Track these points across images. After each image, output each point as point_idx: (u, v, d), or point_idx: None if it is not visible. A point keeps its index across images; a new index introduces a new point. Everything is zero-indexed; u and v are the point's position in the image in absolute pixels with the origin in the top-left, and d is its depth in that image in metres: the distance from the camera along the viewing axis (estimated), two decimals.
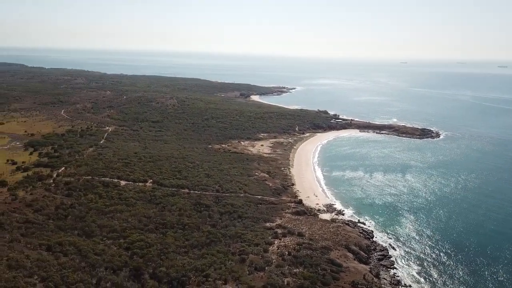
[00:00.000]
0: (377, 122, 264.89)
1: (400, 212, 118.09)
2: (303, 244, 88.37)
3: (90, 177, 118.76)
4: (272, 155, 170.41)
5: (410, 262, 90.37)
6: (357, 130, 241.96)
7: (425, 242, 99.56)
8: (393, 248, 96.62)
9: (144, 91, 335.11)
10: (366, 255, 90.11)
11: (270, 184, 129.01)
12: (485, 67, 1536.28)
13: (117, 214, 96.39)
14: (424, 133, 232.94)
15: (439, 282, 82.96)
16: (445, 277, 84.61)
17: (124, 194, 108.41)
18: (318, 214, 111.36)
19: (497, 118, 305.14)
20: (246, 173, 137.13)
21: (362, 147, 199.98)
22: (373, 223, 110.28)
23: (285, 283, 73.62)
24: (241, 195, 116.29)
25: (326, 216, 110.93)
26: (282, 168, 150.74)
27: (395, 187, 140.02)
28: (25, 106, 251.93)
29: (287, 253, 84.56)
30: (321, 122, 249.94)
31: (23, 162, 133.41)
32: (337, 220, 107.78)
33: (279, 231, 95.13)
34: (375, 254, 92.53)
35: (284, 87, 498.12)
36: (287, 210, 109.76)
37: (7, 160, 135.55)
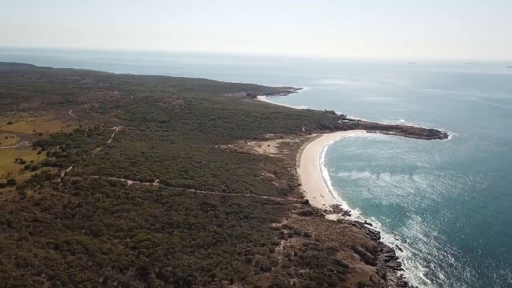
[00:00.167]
0: (385, 122, 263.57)
1: (407, 213, 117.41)
2: (309, 245, 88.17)
3: (97, 176, 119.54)
4: (278, 155, 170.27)
5: (417, 264, 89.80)
6: (364, 131, 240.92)
7: (432, 244, 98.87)
8: (400, 249, 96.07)
9: (151, 91, 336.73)
10: (372, 256, 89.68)
11: (276, 185, 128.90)
12: (494, 67, 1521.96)
13: (124, 214, 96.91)
14: (431, 134, 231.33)
15: (446, 284, 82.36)
16: (452, 279, 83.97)
17: (131, 193, 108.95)
18: (324, 215, 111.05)
19: (505, 119, 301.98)
20: (252, 173, 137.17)
21: (369, 147, 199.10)
22: (379, 224, 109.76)
23: (291, 283, 73.50)
24: (247, 195, 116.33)
25: (333, 217, 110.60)
26: (289, 169, 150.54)
27: (402, 188, 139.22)
28: (33, 106, 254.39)
29: (293, 253, 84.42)
30: (328, 122, 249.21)
31: (31, 161, 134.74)
32: (343, 221, 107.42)
33: (285, 231, 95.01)
34: (381, 255, 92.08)
35: (290, 87, 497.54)
36: (293, 211, 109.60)
37: (16, 159, 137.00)
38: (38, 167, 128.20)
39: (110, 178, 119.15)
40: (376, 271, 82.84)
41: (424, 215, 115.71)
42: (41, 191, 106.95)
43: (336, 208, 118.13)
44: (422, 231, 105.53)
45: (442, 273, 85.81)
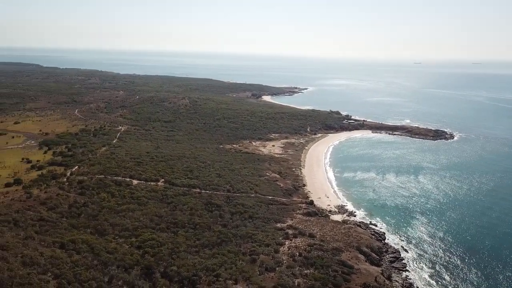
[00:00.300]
0: (390, 123, 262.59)
1: (413, 214, 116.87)
2: (314, 245, 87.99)
3: (103, 176, 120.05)
4: (283, 155, 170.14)
5: (423, 265, 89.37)
6: (370, 131, 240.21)
7: (438, 245, 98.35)
8: (405, 250, 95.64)
9: (157, 91, 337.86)
10: (377, 257, 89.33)
11: (281, 185, 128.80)
12: (501, 67, 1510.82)
13: (129, 213, 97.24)
14: (437, 135, 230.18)
15: (452, 285, 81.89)
16: (457, 280, 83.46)
17: (136, 193, 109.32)
18: (329, 215, 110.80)
19: None
20: (257, 174, 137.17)
21: (374, 148, 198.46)
22: (385, 225, 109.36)
23: (296, 284, 73.39)
24: (252, 195, 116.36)
25: (338, 217, 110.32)
26: (294, 169, 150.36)
27: (408, 188, 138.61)
28: (40, 106, 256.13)
29: (298, 254, 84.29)
30: (333, 122, 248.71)
31: (37, 161, 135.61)
32: (348, 222, 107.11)
33: (290, 231, 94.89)
34: (387, 256, 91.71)
35: (296, 88, 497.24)
36: (298, 211, 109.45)
37: (22, 159, 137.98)
38: (44, 167, 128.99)
39: (115, 177, 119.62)
40: (381, 272, 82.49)
41: (430, 216, 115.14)
42: (47, 190, 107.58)
43: (341, 209, 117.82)
44: (428, 232, 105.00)
45: (447, 275, 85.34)
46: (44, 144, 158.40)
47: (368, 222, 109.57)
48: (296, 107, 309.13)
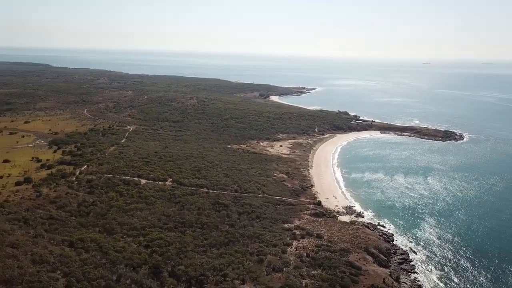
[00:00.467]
0: (399, 123, 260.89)
1: (421, 215, 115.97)
2: (321, 246, 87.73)
3: (111, 175, 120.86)
4: (291, 156, 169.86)
5: (431, 267, 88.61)
6: (378, 132, 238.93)
7: (447, 247, 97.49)
8: (414, 252, 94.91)
9: (165, 91, 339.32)
10: (386, 258, 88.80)
11: (289, 185, 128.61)
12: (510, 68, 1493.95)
13: (137, 212, 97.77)
14: (447, 135, 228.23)
15: None
16: (466, 283, 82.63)
17: (144, 192, 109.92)
18: (337, 216, 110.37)
19: None
20: (264, 174, 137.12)
21: (382, 149, 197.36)
22: (393, 226, 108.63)
23: (303, 284, 73.22)
24: (260, 195, 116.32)
25: (345, 218, 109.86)
26: (301, 169, 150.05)
27: (416, 190, 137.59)
28: (49, 105, 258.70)
29: (305, 254, 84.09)
30: (341, 123, 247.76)
31: (47, 160, 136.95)
32: (356, 223, 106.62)
33: (298, 232, 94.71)
34: (395, 257, 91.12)
35: (304, 88, 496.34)
36: (305, 212, 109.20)
37: (32, 158, 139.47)
38: (53, 166, 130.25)
39: (123, 177, 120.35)
40: (389, 273, 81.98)
41: (438, 218, 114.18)
42: (56, 189, 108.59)
43: (349, 210, 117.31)
44: (436, 234, 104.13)
45: (456, 277, 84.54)
46: (54, 143, 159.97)
47: (376, 223, 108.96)
48: (304, 107, 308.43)
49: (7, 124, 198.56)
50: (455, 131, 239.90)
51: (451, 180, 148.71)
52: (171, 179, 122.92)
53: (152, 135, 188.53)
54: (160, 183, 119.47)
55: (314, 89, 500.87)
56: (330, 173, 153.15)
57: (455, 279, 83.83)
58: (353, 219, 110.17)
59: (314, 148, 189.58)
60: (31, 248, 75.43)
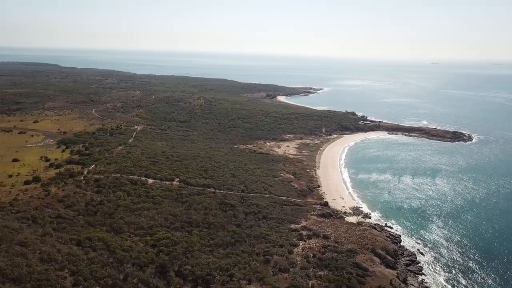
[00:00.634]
0: (406, 124, 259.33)
1: (429, 217, 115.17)
2: (328, 247, 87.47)
3: (118, 174, 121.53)
4: (298, 156, 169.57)
5: (439, 269, 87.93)
6: (386, 132, 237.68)
7: (455, 249, 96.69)
8: (422, 253, 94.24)
9: (172, 91, 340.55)
10: (393, 259, 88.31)
11: (296, 186, 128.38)
12: None
13: (144, 212, 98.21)
14: (455, 136, 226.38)
15: None
16: (475, 285, 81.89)
17: (151, 192, 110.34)
18: (344, 217, 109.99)
19: None
20: (271, 174, 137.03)
21: (390, 149, 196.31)
22: (400, 227, 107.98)
23: (310, 285, 73.05)
24: (266, 195, 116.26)
25: (352, 219, 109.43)
26: (308, 170, 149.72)
27: (424, 191, 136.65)
28: (58, 105, 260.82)
29: (312, 255, 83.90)
30: (348, 123, 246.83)
31: (55, 159, 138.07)
32: (363, 223, 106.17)
33: (304, 233, 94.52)
34: (402, 259, 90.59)
35: (311, 88, 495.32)
36: (312, 212, 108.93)
37: (41, 157, 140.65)
38: (62, 165, 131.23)
39: (131, 176, 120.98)
40: (396, 275, 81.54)
41: (446, 219, 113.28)
42: (64, 188, 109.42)
43: (356, 210, 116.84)
44: (444, 236, 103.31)
45: (464, 280, 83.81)
46: (62, 143, 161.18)
47: (384, 224, 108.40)
48: (311, 107, 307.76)
49: (17, 123, 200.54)
50: (463, 132, 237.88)
51: (459, 181, 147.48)
52: (178, 179, 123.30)
53: (160, 135, 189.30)
54: (167, 182, 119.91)
55: (321, 89, 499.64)
56: (337, 173, 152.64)
57: (463, 281, 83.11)
58: (360, 220, 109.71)
59: (321, 148, 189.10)
60: (40, 246, 76.06)
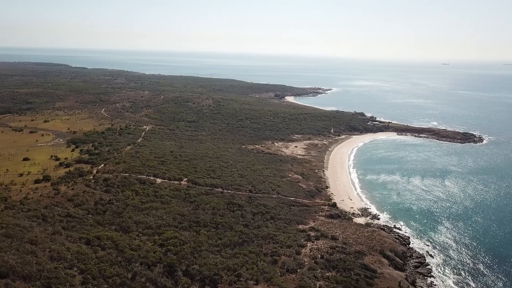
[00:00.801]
0: (416, 125, 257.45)
1: (438, 218, 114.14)
2: (336, 248, 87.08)
3: (127, 174, 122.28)
4: (306, 156, 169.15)
5: (448, 271, 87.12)
6: (395, 133, 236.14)
7: (464, 251, 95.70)
8: (431, 255, 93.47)
9: (181, 92, 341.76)
10: (402, 261, 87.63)
11: (304, 186, 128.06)
12: None
13: (152, 211, 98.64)
14: (465, 137, 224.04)
15: None
16: None
17: (159, 191, 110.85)
18: (352, 218, 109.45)
19: None
20: (279, 174, 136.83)
21: (399, 150, 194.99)
22: (409, 229, 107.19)
23: (317, 286, 72.79)
24: (274, 196, 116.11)
25: (361, 220, 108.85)
26: (316, 170, 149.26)
27: (433, 192, 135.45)
28: (68, 105, 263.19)
29: (319, 256, 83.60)
30: (357, 124, 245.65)
31: (65, 158, 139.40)
32: (372, 225, 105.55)
33: (312, 233, 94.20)
34: (411, 261, 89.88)
35: (320, 88, 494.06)
36: (320, 213, 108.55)
37: (51, 156, 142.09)
38: (71, 164, 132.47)
39: (139, 176, 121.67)
40: (405, 277, 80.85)
41: (456, 221, 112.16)
42: (74, 187, 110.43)
43: (365, 212, 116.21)
44: (454, 238, 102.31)
45: (474, 282, 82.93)
46: (72, 142, 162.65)
47: (392, 226, 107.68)
48: (320, 108, 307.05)
49: (27, 123, 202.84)
50: (474, 133, 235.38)
51: (469, 183, 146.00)
52: (186, 179, 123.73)
53: (168, 135, 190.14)
54: (175, 182, 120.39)
55: (330, 89, 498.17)
56: (345, 174, 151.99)
57: (473, 284, 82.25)
58: (369, 221, 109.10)
59: (329, 149, 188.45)
60: (49, 245, 76.84)
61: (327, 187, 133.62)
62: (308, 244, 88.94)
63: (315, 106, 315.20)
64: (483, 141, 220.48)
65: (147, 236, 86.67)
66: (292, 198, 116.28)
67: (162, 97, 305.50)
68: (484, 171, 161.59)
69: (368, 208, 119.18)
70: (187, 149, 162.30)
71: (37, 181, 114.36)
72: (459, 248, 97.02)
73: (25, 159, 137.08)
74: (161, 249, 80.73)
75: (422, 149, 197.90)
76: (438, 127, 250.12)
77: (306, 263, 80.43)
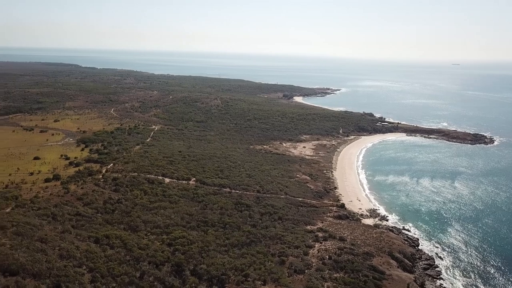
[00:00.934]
0: (426, 126, 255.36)
1: (448, 220, 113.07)
2: (344, 249, 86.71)
3: (136, 173, 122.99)
4: (314, 157, 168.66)
5: (458, 274, 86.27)
6: (404, 134, 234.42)
7: (474, 253, 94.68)
8: (440, 257, 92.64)
9: (190, 92, 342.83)
10: (410, 263, 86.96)
11: (312, 187, 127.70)
12: None
13: (160, 211, 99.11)
14: (476, 139, 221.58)
15: None
16: None
17: (168, 191, 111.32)
18: (360, 219, 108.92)
19: None
20: (287, 175, 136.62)
21: (408, 151, 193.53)
22: (418, 230, 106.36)
23: (325, 287, 72.54)
24: (282, 196, 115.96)
25: (369, 221, 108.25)
26: (325, 171, 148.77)
27: (442, 194, 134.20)
28: (78, 105, 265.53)
29: (327, 257, 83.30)
30: (366, 124, 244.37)
31: (75, 158, 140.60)
32: (380, 226, 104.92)
33: (320, 234, 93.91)
34: (420, 263, 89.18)
35: (328, 89, 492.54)
36: (328, 214, 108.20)
37: (61, 155, 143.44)
38: (81, 163, 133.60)
39: (148, 175, 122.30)
40: (414, 279, 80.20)
41: (465, 223, 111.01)
42: (83, 186, 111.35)
43: (373, 213, 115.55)
44: (463, 240, 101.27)
45: (483, 285, 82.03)
46: (82, 142, 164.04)
47: (401, 227, 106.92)
48: (328, 108, 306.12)
49: (38, 122, 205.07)
50: (485, 134, 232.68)
51: (479, 184, 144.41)
52: (194, 179, 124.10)
53: (177, 135, 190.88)
54: (183, 182, 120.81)
55: (339, 90, 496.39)
56: (354, 175, 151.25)
57: (482, 287, 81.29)
58: (377, 222, 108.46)
59: (338, 149, 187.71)
60: (59, 243, 77.58)
61: (335, 188, 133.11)
62: (316, 245, 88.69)
63: (323, 107, 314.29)
64: (494, 142, 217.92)
65: (155, 236, 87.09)
66: (300, 199, 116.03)
67: (171, 97, 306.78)
68: (495, 172, 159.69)
69: (376, 209, 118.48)
70: (195, 149, 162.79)
71: (47, 180, 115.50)
72: (468, 251, 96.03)
73: (36, 158, 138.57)
74: (169, 249, 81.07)
75: (432, 150, 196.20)
76: (448, 128, 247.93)
77: (314, 264, 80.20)
